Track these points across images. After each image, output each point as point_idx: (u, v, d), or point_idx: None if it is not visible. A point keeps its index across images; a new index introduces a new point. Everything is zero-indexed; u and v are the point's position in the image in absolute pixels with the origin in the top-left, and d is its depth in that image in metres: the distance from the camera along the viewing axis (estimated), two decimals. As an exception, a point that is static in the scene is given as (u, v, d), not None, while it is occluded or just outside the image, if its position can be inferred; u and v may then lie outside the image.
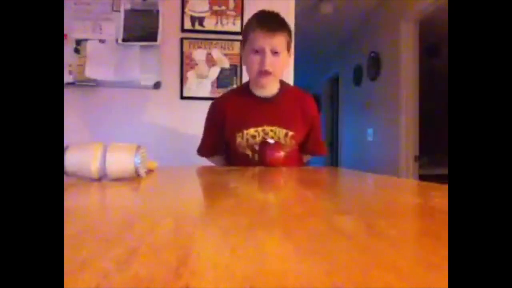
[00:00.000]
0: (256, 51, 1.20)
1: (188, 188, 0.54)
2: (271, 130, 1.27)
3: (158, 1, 2.18)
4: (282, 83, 1.35)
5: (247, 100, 1.31)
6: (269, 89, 1.30)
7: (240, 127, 1.28)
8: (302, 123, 1.33)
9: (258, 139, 1.27)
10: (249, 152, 1.29)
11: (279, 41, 1.19)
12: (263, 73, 1.20)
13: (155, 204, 0.45)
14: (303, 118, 1.34)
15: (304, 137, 1.36)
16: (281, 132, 1.28)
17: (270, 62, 1.19)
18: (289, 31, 1.24)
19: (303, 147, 1.39)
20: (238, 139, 1.28)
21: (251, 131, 1.27)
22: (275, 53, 1.19)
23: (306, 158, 1.48)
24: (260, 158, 1.17)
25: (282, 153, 1.15)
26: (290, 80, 2.29)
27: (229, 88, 2.24)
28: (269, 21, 1.19)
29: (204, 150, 1.40)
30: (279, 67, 1.23)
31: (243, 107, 1.31)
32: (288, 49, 1.25)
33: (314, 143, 1.41)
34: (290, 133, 1.29)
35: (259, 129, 1.27)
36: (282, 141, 1.28)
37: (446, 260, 0.21)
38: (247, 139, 1.27)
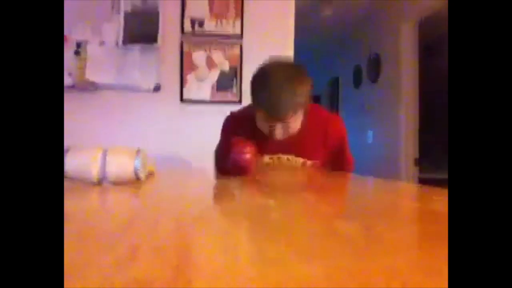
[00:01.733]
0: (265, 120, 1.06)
1: (188, 191, 0.54)
2: (287, 159, 1.17)
3: (158, 3, 2.18)
4: (305, 113, 1.13)
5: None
6: None
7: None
8: (323, 149, 1.21)
9: (272, 166, 1.18)
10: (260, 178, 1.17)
11: (293, 121, 1.04)
12: (275, 139, 1.08)
13: (155, 207, 0.45)
14: (325, 143, 1.20)
15: (328, 159, 1.23)
16: (298, 161, 1.18)
17: (280, 134, 1.06)
18: (305, 95, 1.02)
19: (328, 166, 1.26)
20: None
21: (266, 158, 1.18)
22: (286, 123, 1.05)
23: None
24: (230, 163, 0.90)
25: (248, 156, 0.86)
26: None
27: (229, 91, 2.24)
28: (277, 108, 0.99)
29: (222, 156, 1.25)
30: (294, 129, 1.08)
31: (257, 133, 1.12)
32: (306, 105, 1.07)
33: (341, 162, 1.27)
34: (309, 162, 1.19)
35: (274, 157, 1.18)
36: (299, 168, 1.17)
37: (446, 264, 0.21)
38: (261, 166, 1.16)
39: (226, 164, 1.22)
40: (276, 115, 1.01)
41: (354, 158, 1.30)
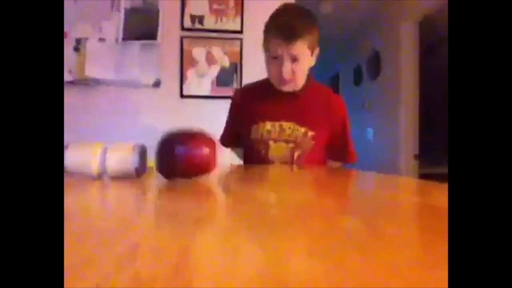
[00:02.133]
0: (275, 57, 1.11)
1: (188, 187, 0.54)
2: (289, 127, 1.17)
3: (160, 0, 2.17)
4: (309, 78, 1.22)
5: (268, 92, 1.21)
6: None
7: (256, 119, 1.19)
8: (326, 123, 1.20)
9: (274, 135, 1.17)
10: (262, 149, 1.19)
11: (299, 48, 1.08)
12: (282, 81, 1.13)
13: (155, 204, 0.45)
14: (327, 118, 1.21)
15: (328, 140, 1.22)
16: (299, 130, 1.17)
17: (288, 70, 1.10)
18: (313, 34, 1.12)
19: (329, 152, 1.25)
20: (253, 133, 1.19)
21: (268, 125, 1.18)
22: (296, 59, 1.10)
23: (335, 165, 1.30)
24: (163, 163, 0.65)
25: (207, 150, 0.66)
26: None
27: (229, 87, 2.24)
28: (288, 27, 1.07)
29: (225, 140, 1.32)
30: (300, 73, 1.13)
31: (262, 98, 1.21)
32: (313, 52, 1.15)
33: (342, 148, 1.26)
34: (310, 133, 1.17)
35: (276, 124, 1.17)
36: (300, 140, 1.17)
37: (446, 260, 0.21)
38: (262, 133, 1.18)
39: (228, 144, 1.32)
40: (289, 32, 1.06)
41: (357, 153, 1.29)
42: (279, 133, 1.18)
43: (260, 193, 0.53)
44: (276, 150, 1.18)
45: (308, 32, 1.10)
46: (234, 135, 1.30)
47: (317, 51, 1.20)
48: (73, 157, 0.62)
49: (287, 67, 1.09)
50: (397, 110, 3.11)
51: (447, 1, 2.52)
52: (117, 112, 2.18)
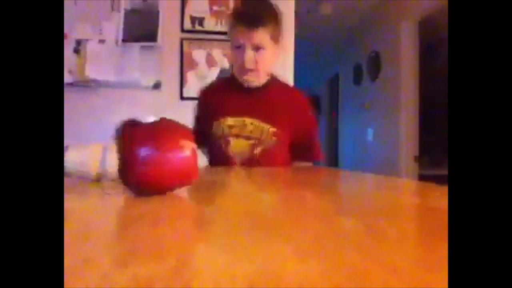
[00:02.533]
0: (238, 47, 1.10)
1: (187, 188, 0.54)
2: (251, 123, 1.15)
3: (158, 1, 2.18)
4: (274, 77, 1.24)
5: (231, 88, 1.21)
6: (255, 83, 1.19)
7: (218, 115, 1.18)
8: (289, 121, 1.19)
9: (235, 131, 1.16)
10: (222, 145, 1.18)
11: (261, 36, 1.08)
12: (244, 70, 1.12)
13: (155, 204, 0.45)
14: (291, 115, 1.20)
15: (293, 138, 1.21)
16: (262, 126, 1.15)
17: (251, 59, 1.09)
18: (275, 22, 1.12)
19: (295, 151, 1.24)
20: (214, 129, 1.18)
21: (229, 120, 1.16)
22: (258, 48, 1.09)
23: (302, 165, 1.28)
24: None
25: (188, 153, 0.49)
26: (290, 80, 2.29)
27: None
28: (249, 14, 1.09)
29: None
30: (264, 62, 1.13)
31: (226, 94, 1.22)
32: (276, 41, 1.14)
33: (308, 147, 1.26)
34: (272, 130, 1.16)
35: (239, 119, 1.16)
36: (262, 137, 1.15)
37: (446, 261, 0.21)
38: (223, 129, 1.17)
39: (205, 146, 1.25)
40: (251, 19, 1.07)
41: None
42: (240, 129, 1.17)
43: (260, 193, 0.53)
44: (236, 146, 1.17)
45: (270, 22, 1.10)
46: (200, 134, 1.25)
47: (280, 47, 1.18)
48: (73, 159, 0.62)
49: (249, 54, 1.09)
50: (397, 110, 3.11)
51: (447, 1, 2.52)
52: (117, 114, 2.18)
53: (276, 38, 1.13)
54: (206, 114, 1.25)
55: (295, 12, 2.30)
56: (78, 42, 2.12)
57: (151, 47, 2.16)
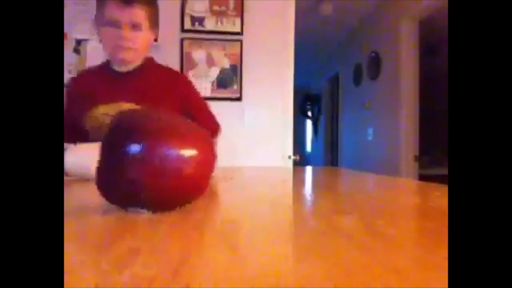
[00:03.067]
0: (112, 24, 1.01)
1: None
2: (130, 108, 1.06)
3: (158, 1, 2.18)
4: (150, 58, 1.18)
5: (104, 74, 1.12)
6: (130, 64, 1.12)
7: (91, 104, 1.07)
8: (171, 102, 1.14)
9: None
10: (97, 132, 1.05)
11: (138, 13, 1.02)
12: (120, 48, 1.05)
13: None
14: (173, 96, 1.15)
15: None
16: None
17: (127, 35, 1.02)
18: (152, 7, 1.08)
19: None
20: (89, 118, 1.07)
21: (102, 108, 1.06)
22: (135, 26, 1.03)
23: None
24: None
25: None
26: (290, 79, 2.29)
27: (229, 89, 2.24)
28: None
29: (67, 137, 1.18)
30: (140, 43, 1.07)
31: (98, 82, 1.12)
32: (152, 25, 1.09)
33: (199, 124, 1.15)
34: None
35: (114, 105, 1.06)
36: None
37: (446, 260, 0.21)
38: (97, 117, 1.06)
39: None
40: None
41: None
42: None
43: (259, 191, 0.53)
44: None
45: (147, 3, 1.05)
46: (74, 129, 1.11)
47: (156, 34, 1.14)
48: (73, 159, 0.62)
49: (125, 31, 1.02)
50: (397, 110, 3.11)
51: (447, 1, 2.52)
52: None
53: (152, 21, 1.08)
54: (78, 105, 1.11)
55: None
56: (78, 42, 2.12)
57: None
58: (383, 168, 3.34)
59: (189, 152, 0.35)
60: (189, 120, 0.41)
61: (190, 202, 0.39)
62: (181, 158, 0.35)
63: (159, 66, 1.23)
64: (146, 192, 0.34)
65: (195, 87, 1.25)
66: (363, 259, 0.22)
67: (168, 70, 1.24)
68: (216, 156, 0.40)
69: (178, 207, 0.37)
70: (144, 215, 0.35)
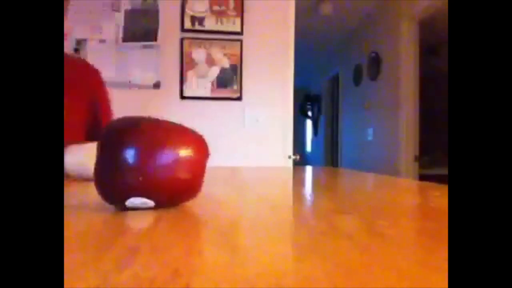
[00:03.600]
0: None
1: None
2: None
3: (158, 1, 2.18)
4: None
5: None
6: None
7: None
8: (76, 95, 1.08)
9: None
10: None
11: None
12: None
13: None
14: (81, 90, 1.09)
15: (87, 116, 1.09)
16: None
17: None
18: None
19: (96, 131, 1.08)
20: None
21: None
22: None
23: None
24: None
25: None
26: (290, 79, 2.29)
27: (229, 88, 2.25)
28: None
29: None
30: None
31: None
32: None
33: (103, 120, 1.12)
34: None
35: None
36: None
37: (446, 261, 0.21)
38: None
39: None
40: None
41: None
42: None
43: (258, 191, 0.53)
44: None
45: None
46: None
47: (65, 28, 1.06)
48: (73, 158, 0.62)
49: None
50: (397, 110, 3.11)
51: (447, 2, 2.52)
52: (117, 113, 2.18)
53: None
54: None
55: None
56: (78, 42, 2.12)
57: (151, 46, 2.16)
58: (383, 168, 3.34)
59: (183, 152, 0.37)
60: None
61: (184, 202, 0.40)
62: (175, 158, 0.37)
63: (66, 57, 1.14)
64: (143, 191, 0.36)
65: (104, 80, 1.21)
66: (363, 259, 0.22)
67: (74, 62, 1.18)
68: (209, 156, 0.41)
69: (173, 206, 0.39)
70: (144, 214, 0.35)
